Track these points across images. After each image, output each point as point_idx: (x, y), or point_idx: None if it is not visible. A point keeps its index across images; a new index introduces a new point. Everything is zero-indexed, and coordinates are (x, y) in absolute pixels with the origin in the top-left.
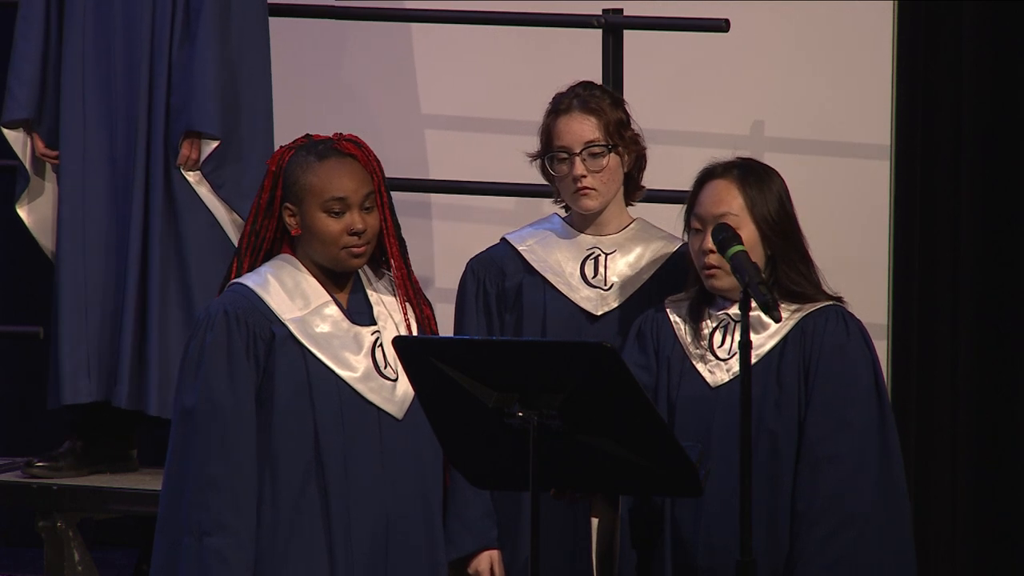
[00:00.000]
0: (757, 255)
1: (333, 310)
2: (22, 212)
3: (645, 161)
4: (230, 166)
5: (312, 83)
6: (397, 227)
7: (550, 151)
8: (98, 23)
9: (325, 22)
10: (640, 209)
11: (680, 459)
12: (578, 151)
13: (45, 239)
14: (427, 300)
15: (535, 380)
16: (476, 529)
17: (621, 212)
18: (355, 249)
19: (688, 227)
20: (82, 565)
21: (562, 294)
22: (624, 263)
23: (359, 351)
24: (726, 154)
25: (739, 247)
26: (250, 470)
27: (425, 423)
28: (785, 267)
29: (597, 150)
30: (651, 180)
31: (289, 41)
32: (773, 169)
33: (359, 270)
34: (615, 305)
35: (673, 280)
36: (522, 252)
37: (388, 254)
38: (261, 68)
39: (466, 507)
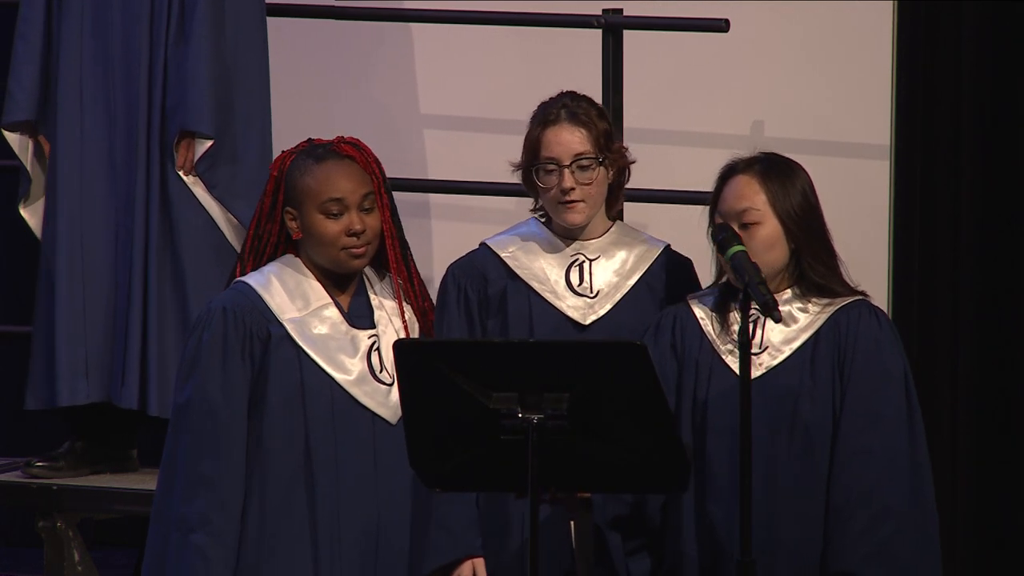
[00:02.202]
0: (781, 249)
1: (332, 312)
2: (25, 214)
3: (629, 175)
4: (224, 166)
5: (311, 83)
6: (399, 229)
7: (536, 162)
8: (96, 24)
9: (324, 22)
10: (640, 209)
11: (679, 457)
12: (567, 163)
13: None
14: (431, 302)
15: (550, 381)
16: (461, 538)
17: (602, 217)
18: (355, 250)
19: (712, 223)
20: (82, 565)
21: (548, 302)
22: (609, 269)
23: (355, 354)
24: (737, 152)
25: (739, 247)
26: (240, 469)
27: None
28: (810, 260)
29: (586, 162)
30: (651, 180)
31: (288, 41)
32: (796, 163)
33: (363, 273)
34: (602, 313)
35: (661, 283)
36: (504, 259)
37: (389, 258)
38: (257, 68)
39: (451, 516)
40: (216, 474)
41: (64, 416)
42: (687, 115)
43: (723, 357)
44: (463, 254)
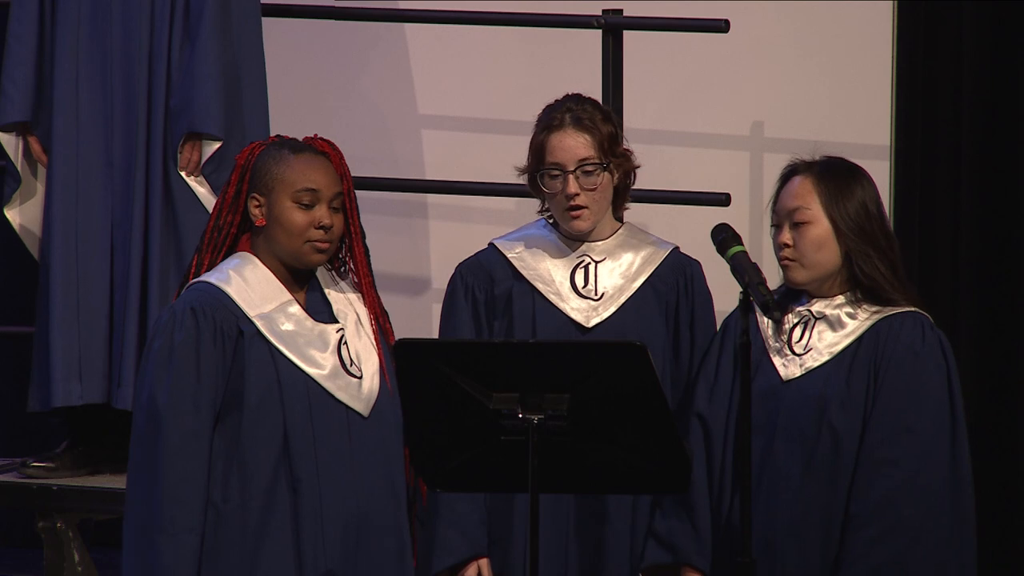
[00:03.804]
0: (830, 251)
1: (296, 309)
2: (10, 214)
3: (635, 177)
4: (231, 168)
5: (309, 83)
6: (363, 235)
7: (542, 168)
8: (93, 23)
9: (322, 22)
10: (640, 209)
11: (680, 458)
12: (572, 169)
13: (33, 242)
14: (387, 314)
15: (551, 381)
16: (471, 537)
17: (609, 219)
18: (319, 244)
19: (771, 223)
20: (82, 565)
21: (552, 304)
22: (615, 272)
23: (325, 349)
24: (797, 155)
25: (738, 247)
26: (207, 470)
27: (389, 420)
28: (860, 262)
29: (590, 168)
30: (652, 180)
31: (286, 42)
32: (861, 170)
33: (316, 273)
34: (606, 316)
35: (667, 286)
36: (511, 259)
37: (355, 261)
38: (258, 69)
39: (461, 515)
40: (198, 475)
41: (63, 417)
42: (687, 115)
43: (770, 356)
44: (460, 254)
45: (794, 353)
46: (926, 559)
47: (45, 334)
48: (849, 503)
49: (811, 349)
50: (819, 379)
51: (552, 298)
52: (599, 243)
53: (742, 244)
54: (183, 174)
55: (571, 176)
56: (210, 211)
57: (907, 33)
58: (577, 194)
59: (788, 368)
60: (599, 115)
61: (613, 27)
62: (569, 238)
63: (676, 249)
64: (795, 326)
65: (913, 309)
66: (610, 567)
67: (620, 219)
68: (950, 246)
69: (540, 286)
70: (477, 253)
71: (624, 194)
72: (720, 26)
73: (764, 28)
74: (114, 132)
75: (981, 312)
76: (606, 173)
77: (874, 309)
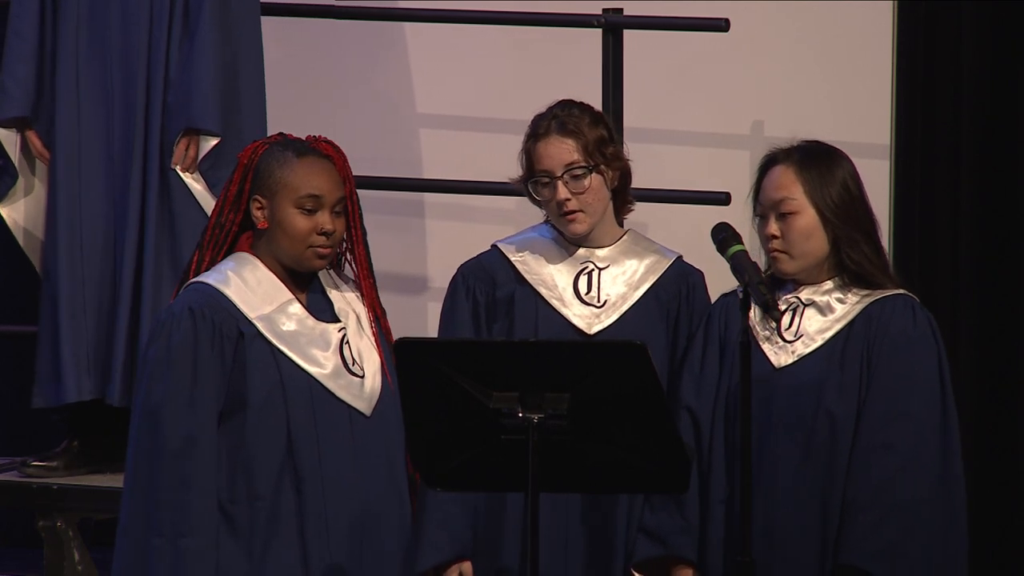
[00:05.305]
0: (819, 239)
1: (297, 308)
2: (5, 211)
3: (630, 177)
4: (228, 166)
5: (309, 82)
6: (365, 236)
7: (532, 176)
8: (93, 19)
9: (320, 21)
10: (640, 209)
11: (680, 458)
12: (559, 174)
13: (28, 239)
14: (385, 313)
15: (551, 381)
16: (458, 538)
17: (612, 225)
18: (321, 250)
19: (754, 213)
20: (82, 565)
21: (554, 310)
22: (618, 279)
23: (327, 348)
24: (776, 143)
25: (738, 247)
26: (214, 471)
27: (391, 419)
28: (848, 249)
29: (578, 172)
30: (651, 180)
31: (284, 40)
32: (839, 152)
33: (318, 273)
34: (608, 323)
35: (669, 295)
36: (514, 263)
37: (357, 262)
38: (256, 67)
39: (453, 516)
40: (198, 476)
41: (65, 415)
42: (687, 115)
43: (760, 344)
44: (458, 253)
45: (784, 340)
46: (924, 542)
47: (54, 330)
48: (846, 489)
49: (801, 335)
50: (813, 365)
51: (555, 303)
52: (603, 250)
53: (742, 243)
54: (178, 169)
55: (560, 182)
56: (206, 208)
57: (907, 33)
58: (568, 199)
59: (779, 356)
60: (586, 118)
61: (613, 26)
62: (572, 243)
63: (680, 258)
64: (783, 313)
65: (901, 291)
66: (600, 568)
67: (623, 224)
68: (950, 246)
69: (543, 291)
70: (479, 255)
71: (623, 196)
72: (720, 25)
73: (764, 28)
74: (114, 129)
75: (981, 312)
76: (596, 175)
77: (863, 293)
